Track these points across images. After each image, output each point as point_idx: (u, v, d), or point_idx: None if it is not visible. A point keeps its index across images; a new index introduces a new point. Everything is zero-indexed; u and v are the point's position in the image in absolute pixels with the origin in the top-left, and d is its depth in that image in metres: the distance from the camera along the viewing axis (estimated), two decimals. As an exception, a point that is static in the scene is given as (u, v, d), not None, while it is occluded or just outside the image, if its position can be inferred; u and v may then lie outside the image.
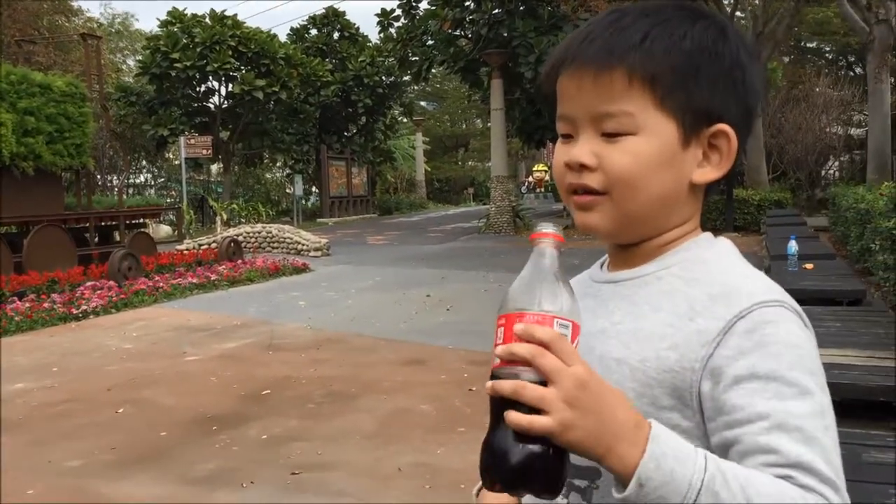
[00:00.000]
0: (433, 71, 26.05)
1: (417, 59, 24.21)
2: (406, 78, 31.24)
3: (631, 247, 1.01)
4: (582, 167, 0.94)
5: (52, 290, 11.21)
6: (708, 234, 1.01)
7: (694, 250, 0.98)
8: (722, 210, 18.04)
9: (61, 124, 12.67)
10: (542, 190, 42.36)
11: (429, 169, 48.82)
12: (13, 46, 21.00)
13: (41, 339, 8.93)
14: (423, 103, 55.64)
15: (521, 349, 0.78)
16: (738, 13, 21.74)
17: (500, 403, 0.79)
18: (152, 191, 33.42)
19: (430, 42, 23.69)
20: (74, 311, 10.16)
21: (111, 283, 11.88)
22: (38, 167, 12.27)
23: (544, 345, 0.77)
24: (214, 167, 33.18)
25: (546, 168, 41.22)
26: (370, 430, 5.13)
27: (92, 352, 8.09)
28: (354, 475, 4.30)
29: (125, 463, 4.67)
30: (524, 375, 0.78)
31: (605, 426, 0.77)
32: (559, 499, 0.96)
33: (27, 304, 10.26)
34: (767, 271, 6.84)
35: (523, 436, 0.77)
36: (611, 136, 0.93)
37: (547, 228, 0.86)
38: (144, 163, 33.20)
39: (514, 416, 0.76)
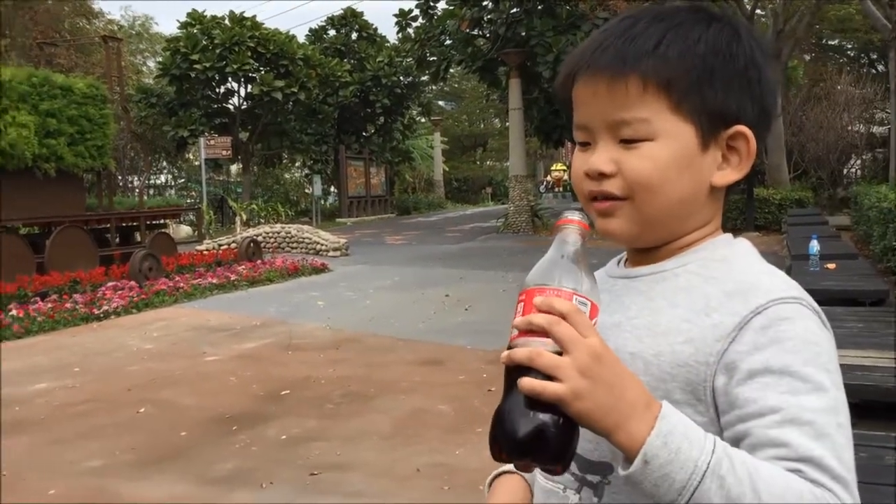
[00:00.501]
0: (451, 71, 26.06)
1: (435, 58, 24.22)
2: (424, 78, 31.25)
3: (651, 248, 1.01)
4: (601, 175, 0.95)
5: (74, 291, 11.31)
6: (727, 235, 1.01)
7: (712, 249, 0.98)
8: (742, 209, 17.91)
9: (83, 126, 12.78)
10: (561, 189, 42.22)
11: (447, 169, 48.82)
12: (35, 49, 21.22)
13: (63, 339, 9.02)
14: (441, 103, 55.65)
15: (539, 318, 0.79)
16: (758, 11, 21.56)
17: (515, 373, 0.80)
18: (172, 191, 33.64)
19: (447, 42, 23.69)
20: (96, 312, 10.25)
21: (132, 283, 11.98)
22: (60, 168, 12.39)
23: (562, 316, 0.79)
24: (234, 168, 33.36)
25: (564, 167, 41.09)
26: (388, 430, 5.14)
27: (113, 352, 8.15)
28: (372, 476, 4.31)
29: (145, 463, 4.70)
30: (541, 345, 0.79)
31: (615, 400, 0.78)
32: (570, 494, 0.96)
33: (49, 305, 10.35)
34: (788, 271, 6.78)
35: (534, 404, 0.78)
36: (628, 143, 0.93)
37: (573, 215, 0.88)
38: (164, 164, 33.45)
39: (526, 381, 0.78)
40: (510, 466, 1.11)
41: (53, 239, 12.29)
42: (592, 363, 0.78)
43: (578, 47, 1.01)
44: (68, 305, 10.40)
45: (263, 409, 5.72)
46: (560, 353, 0.78)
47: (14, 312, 9.84)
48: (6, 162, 11.42)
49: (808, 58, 30.82)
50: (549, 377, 0.78)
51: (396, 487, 4.14)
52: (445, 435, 4.96)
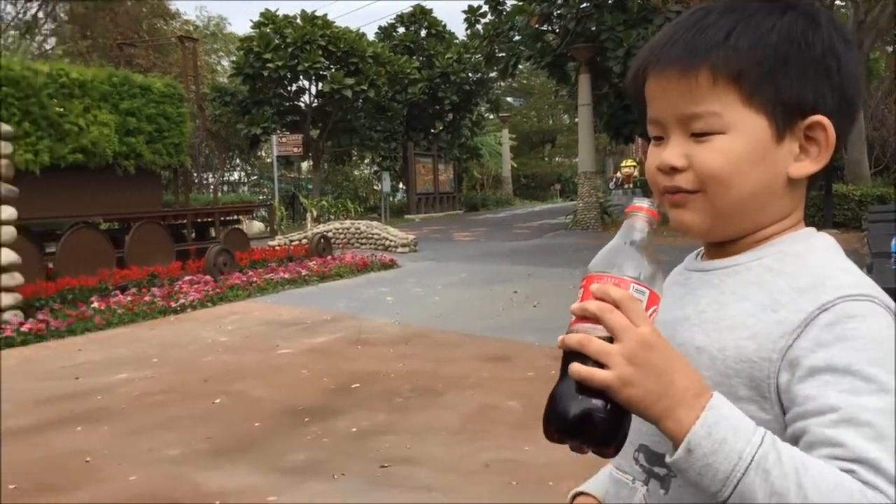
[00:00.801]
0: (520, 67, 25.94)
1: (504, 55, 24.15)
2: (493, 74, 31.17)
3: (727, 241, 1.00)
4: (673, 170, 0.95)
5: (152, 285, 11.66)
6: (809, 229, 0.99)
7: (790, 243, 0.97)
8: (820, 206, 17.38)
9: (160, 124, 13.15)
10: (631, 186, 41.65)
11: (515, 165, 48.65)
12: (115, 50, 21.93)
13: (142, 332, 9.31)
14: (509, 99, 55.49)
15: (592, 305, 0.82)
16: (837, 1, 20.88)
17: (569, 357, 0.83)
18: (245, 188, 34.37)
19: (516, 38, 23.59)
20: (173, 305, 10.56)
21: (207, 277, 12.29)
22: (139, 166, 12.78)
23: (615, 303, 0.81)
24: (304, 164, 33.90)
25: (635, 163, 40.50)
26: (456, 425, 5.16)
27: (189, 344, 8.38)
28: (441, 470, 4.34)
29: (220, 452, 4.82)
30: (594, 332, 0.82)
31: (664, 389, 0.80)
32: (638, 486, 0.96)
33: (129, 298, 10.70)
34: (869, 270, 6.56)
35: (584, 388, 0.81)
36: (700, 136, 0.93)
37: (642, 202, 0.89)
38: (238, 161, 34.17)
39: (575, 367, 0.81)
40: (587, 486, 1.13)
41: (132, 234, 12.69)
42: (641, 351, 0.79)
43: (649, 42, 1.00)
44: (147, 299, 10.74)
45: (334, 402, 5.81)
46: (612, 341, 0.80)
47: (96, 305, 10.20)
48: (88, 159, 11.83)
49: (890, 49, 29.68)
50: (599, 363, 0.80)
51: (465, 482, 4.16)
52: (513, 431, 4.95)
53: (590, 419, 0.80)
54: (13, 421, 5.61)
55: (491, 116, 43.31)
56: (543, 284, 11.46)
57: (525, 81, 53.21)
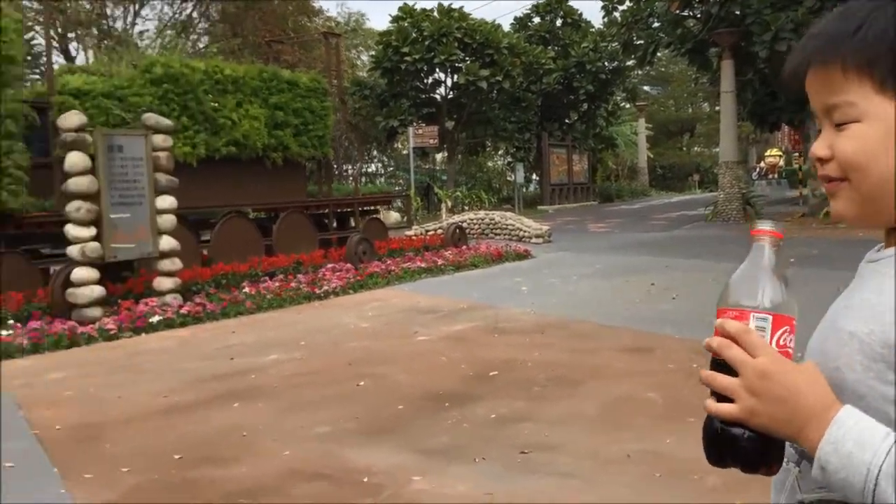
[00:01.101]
0: (658, 54, 25.29)
1: (642, 42, 23.63)
2: (630, 62, 30.60)
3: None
4: (819, 160, 0.98)
5: (298, 272, 12.19)
6: None
7: None
8: None
9: (306, 118, 13.69)
10: (776, 176, 39.89)
11: (651, 155, 47.57)
12: (264, 47, 22.95)
13: (289, 316, 9.76)
14: (646, 88, 54.24)
15: (714, 342, 0.90)
16: None
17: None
18: (382, 179, 35.16)
19: (655, 24, 23.03)
20: (317, 291, 11.01)
21: (348, 265, 12.73)
22: (286, 158, 13.35)
23: (731, 338, 0.89)
24: (439, 156, 34.34)
25: (780, 153, 38.74)
26: (595, 414, 5.16)
27: (333, 329, 8.73)
28: (582, 458, 4.36)
29: (367, 432, 5.03)
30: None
31: (790, 413, 0.85)
32: (791, 466, 0.99)
33: (276, 284, 11.23)
34: None
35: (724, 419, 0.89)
36: (840, 126, 0.95)
37: (764, 225, 0.95)
38: (375, 152, 35.04)
39: (707, 403, 0.91)
40: None
41: (280, 223, 13.29)
42: (759, 381, 0.86)
43: (805, 34, 1.02)
44: (293, 285, 11.24)
45: (473, 389, 5.92)
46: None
47: (247, 290, 10.77)
48: (240, 152, 12.47)
49: None
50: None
51: (605, 471, 4.17)
52: (654, 422, 4.91)
53: (734, 447, 0.89)
54: (178, 396, 6.04)
55: (627, 105, 42.50)
56: (682, 277, 11.20)
57: (663, 69, 51.84)
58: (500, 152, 38.10)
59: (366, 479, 4.18)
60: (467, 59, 27.11)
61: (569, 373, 6.26)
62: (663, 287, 10.33)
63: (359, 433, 5.01)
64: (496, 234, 18.81)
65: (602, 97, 34.12)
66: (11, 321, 8.59)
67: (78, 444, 4.96)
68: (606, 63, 32.70)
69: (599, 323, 8.28)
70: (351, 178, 27.25)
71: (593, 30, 33.97)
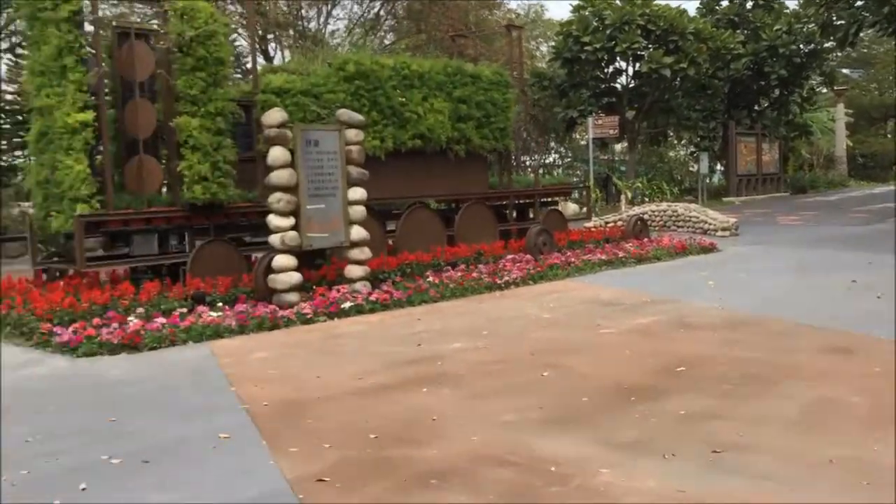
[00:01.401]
0: (861, 34, 23.51)
1: (843, 22, 22.08)
2: (828, 44, 28.69)
3: None
4: None
5: (479, 262, 12.40)
6: None
7: None
8: None
9: (488, 110, 13.87)
10: None
11: (850, 143, 44.36)
12: (447, 41, 23.44)
13: (471, 305, 9.96)
14: (845, 71, 50.63)
15: None
16: None
17: None
18: (559, 170, 35.01)
19: (858, 3, 21.44)
20: (498, 281, 11.15)
21: (528, 256, 12.80)
22: (468, 150, 13.59)
23: None
24: (618, 146, 33.71)
25: None
26: (793, 416, 4.93)
27: (514, 319, 8.82)
28: (779, 460, 4.18)
29: (552, 422, 5.06)
30: None
31: None
32: None
33: (458, 274, 11.48)
34: None
35: None
36: None
37: None
38: (552, 143, 34.92)
39: None
40: None
41: (461, 214, 13.57)
42: None
43: None
44: (474, 275, 11.44)
45: (660, 384, 5.82)
46: None
47: (431, 279, 11.08)
48: (425, 145, 12.83)
49: None
50: None
51: (807, 475, 3.98)
52: (860, 428, 4.63)
53: None
54: (372, 379, 6.34)
55: (824, 90, 39.85)
56: (889, 274, 10.41)
57: (866, 50, 48.18)
58: (682, 142, 36.88)
59: (553, 469, 4.22)
60: (650, 46, 26.39)
61: (763, 371, 6.01)
62: (866, 285, 9.67)
63: (544, 422, 5.05)
64: (679, 227, 18.27)
65: (796, 82, 32.18)
66: (220, 304, 9.32)
67: (283, 420, 5.33)
68: (801, 46, 30.79)
69: (795, 321, 7.87)
70: (529, 170, 27.34)
71: (787, 11, 32.10)
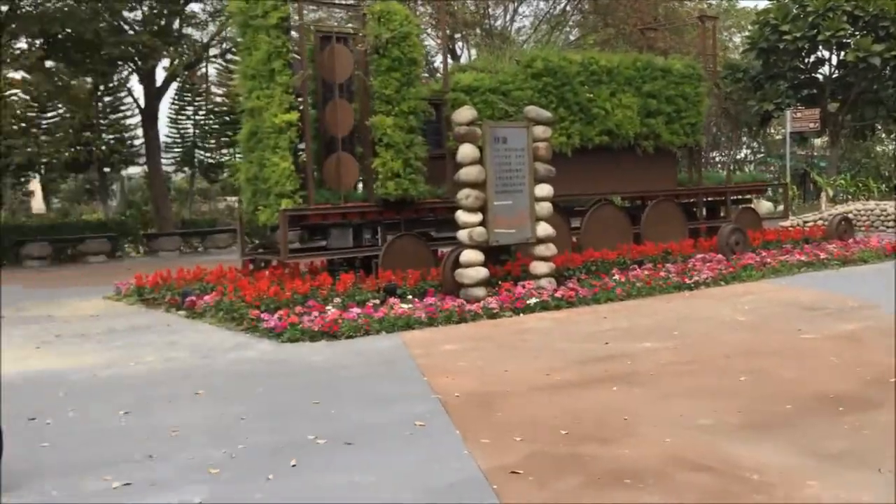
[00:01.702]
0: None
1: None
2: None
3: None
4: None
5: (666, 261, 12.08)
6: None
7: None
8: None
9: (679, 105, 13.46)
10: None
11: None
12: (636, 35, 22.94)
13: (658, 304, 9.72)
14: None
15: None
16: None
17: None
18: (751, 166, 33.40)
19: None
20: (687, 281, 10.81)
21: (719, 256, 12.32)
22: (657, 146, 13.26)
23: None
24: (817, 141, 31.64)
25: None
26: None
27: (706, 320, 8.52)
28: None
29: (751, 427, 4.85)
30: None
31: None
32: None
33: (646, 272, 11.23)
34: None
35: None
36: None
37: None
38: (744, 138, 33.32)
39: None
40: None
41: (648, 212, 13.26)
42: None
43: None
44: (662, 274, 11.15)
45: (872, 394, 5.43)
46: None
47: (616, 277, 10.92)
48: (612, 141, 12.65)
49: None
50: None
51: None
52: None
53: None
54: (560, 375, 6.34)
55: None
56: None
57: None
58: (892, 136, 34.06)
59: (755, 477, 4.04)
60: (857, 33, 24.54)
61: None
62: None
63: (743, 428, 4.85)
64: (888, 228, 16.93)
65: None
66: (409, 296, 9.64)
67: (474, 411, 5.44)
68: None
69: None
70: (719, 166, 26.27)
71: None
